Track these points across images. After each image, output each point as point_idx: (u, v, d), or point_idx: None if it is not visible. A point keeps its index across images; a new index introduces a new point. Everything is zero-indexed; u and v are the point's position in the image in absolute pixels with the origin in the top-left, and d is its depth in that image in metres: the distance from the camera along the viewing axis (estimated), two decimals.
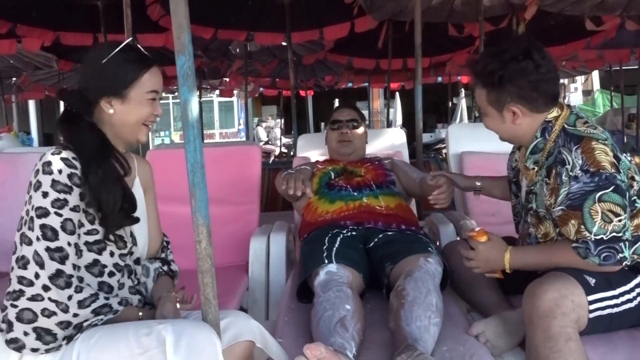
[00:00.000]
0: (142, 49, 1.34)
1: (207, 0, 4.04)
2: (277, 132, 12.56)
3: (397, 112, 11.41)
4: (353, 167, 2.32)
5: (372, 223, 2.00)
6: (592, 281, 1.36)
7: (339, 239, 1.86)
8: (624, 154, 1.45)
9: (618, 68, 7.94)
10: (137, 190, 1.40)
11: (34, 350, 1.13)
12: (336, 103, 10.84)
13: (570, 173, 1.38)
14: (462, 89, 10.96)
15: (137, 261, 1.38)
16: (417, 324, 1.43)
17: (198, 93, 6.61)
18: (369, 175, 2.25)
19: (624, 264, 1.38)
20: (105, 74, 1.27)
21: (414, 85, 3.02)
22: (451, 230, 2.25)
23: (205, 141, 8.71)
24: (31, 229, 1.15)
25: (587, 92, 13.92)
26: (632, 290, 1.40)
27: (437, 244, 2.23)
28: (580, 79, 13.16)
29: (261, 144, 10.77)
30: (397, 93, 11.04)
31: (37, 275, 1.13)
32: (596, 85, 13.81)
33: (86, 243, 1.23)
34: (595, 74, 13.03)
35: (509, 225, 1.81)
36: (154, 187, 1.49)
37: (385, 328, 1.54)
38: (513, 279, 1.54)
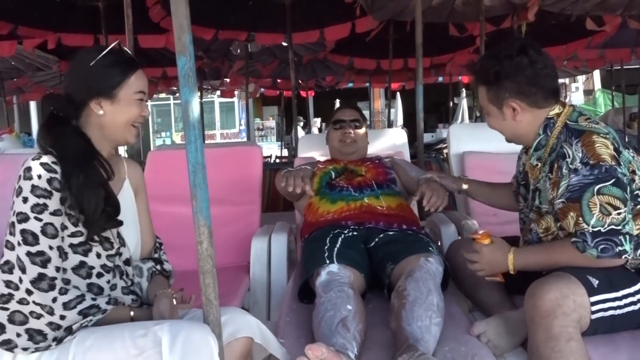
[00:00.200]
0: (128, 52, 1.38)
1: (207, 1, 4.04)
2: (315, 131, 12.54)
3: (398, 112, 11.40)
4: (354, 167, 2.32)
5: (373, 223, 2.00)
6: (595, 282, 1.35)
7: (340, 239, 1.86)
8: (628, 150, 1.45)
9: (619, 67, 7.93)
10: (127, 193, 1.41)
11: (25, 349, 1.16)
12: (337, 103, 10.84)
13: (570, 166, 1.39)
14: (463, 89, 10.94)
15: (128, 262, 1.38)
16: (419, 324, 1.42)
17: (199, 94, 6.62)
18: (370, 174, 2.25)
19: (623, 258, 1.36)
20: (94, 75, 1.29)
21: (414, 85, 3.02)
22: (452, 230, 2.25)
23: (206, 142, 8.72)
24: (12, 234, 1.18)
25: (589, 92, 13.91)
26: (637, 292, 1.39)
27: (439, 244, 2.23)
28: (581, 78, 13.15)
29: None
30: (398, 93, 11.03)
31: (20, 280, 1.15)
32: (597, 84, 13.79)
33: (71, 245, 1.24)
34: (597, 74, 13.01)
35: (509, 225, 1.81)
36: (146, 189, 1.50)
37: (386, 328, 1.54)
38: (516, 279, 1.53)
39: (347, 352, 1.36)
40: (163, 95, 12.43)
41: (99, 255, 1.28)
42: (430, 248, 1.80)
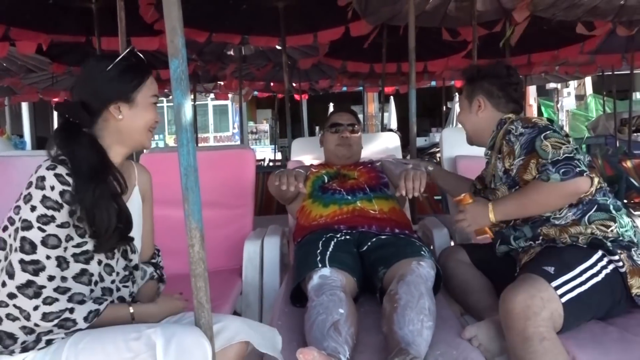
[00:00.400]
0: (141, 56, 1.36)
1: (201, 3, 4.03)
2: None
3: (391, 116, 11.44)
4: (346, 171, 2.32)
5: (365, 227, 2.00)
6: (551, 269, 1.44)
7: (332, 243, 1.86)
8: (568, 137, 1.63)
9: (610, 73, 8.00)
10: (136, 199, 1.41)
11: None
12: (331, 107, 10.84)
13: (515, 133, 1.66)
14: (456, 94, 10.98)
15: (137, 267, 1.39)
16: (410, 327, 1.43)
17: (192, 97, 6.60)
18: (362, 178, 2.26)
19: (585, 175, 1.48)
20: (112, 80, 1.28)
21: (408, 89, 3.03)
22: (445, 234, 2.26)
23: (199, 145, 8.69)
24: (13, 237, 1.16)
25: (580, 97, 14.02)
26: (594, 265, 1.47)
27: (431, 247, 2.23)
28: (573, 83, 13.25)
29: None
30: (392, 97, 11.06)
31: (4, 284, 1.14)
32: (589, 90, 13.91)
33: (74, 255, 1.23)
34: (588, 79, 13.12)
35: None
36: (152, 196, 1.50)
37: (378, 332, 1.54)
38: (506, 283, 1.54)
39: (339, 356, 1.36)
40: None
41: (100, 263, 1.27)
42: (422, 252, 1.80)
